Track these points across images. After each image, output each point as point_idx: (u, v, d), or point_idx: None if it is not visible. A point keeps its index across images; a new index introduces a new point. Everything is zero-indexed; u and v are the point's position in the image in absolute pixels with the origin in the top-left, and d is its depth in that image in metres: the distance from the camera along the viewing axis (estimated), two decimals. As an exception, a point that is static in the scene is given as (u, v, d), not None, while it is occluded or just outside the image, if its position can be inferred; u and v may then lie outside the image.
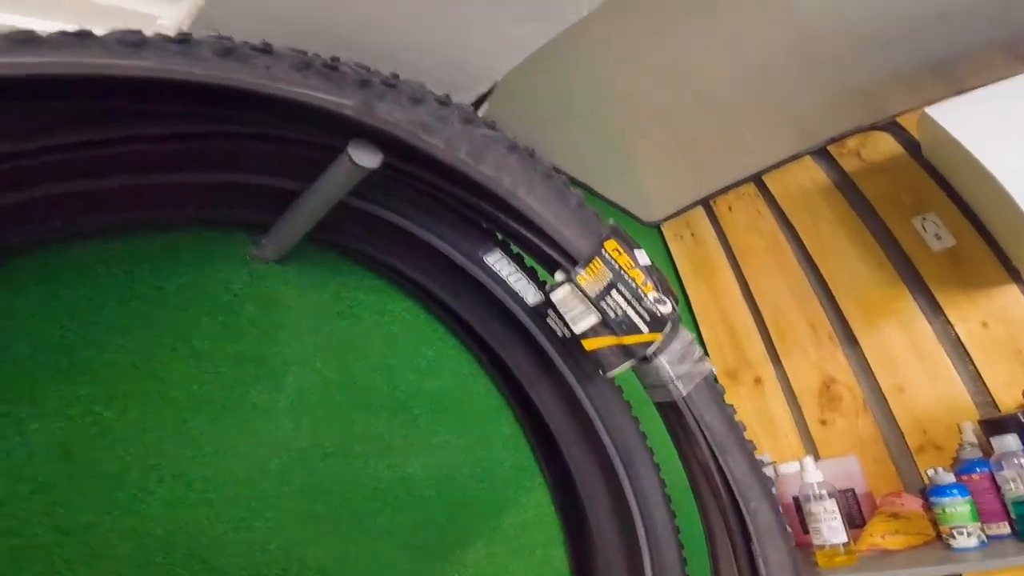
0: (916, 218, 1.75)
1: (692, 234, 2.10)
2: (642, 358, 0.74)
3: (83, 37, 0.45)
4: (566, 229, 0.68)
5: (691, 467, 0.83)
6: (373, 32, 0.82)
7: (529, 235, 0.70)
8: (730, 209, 2.05)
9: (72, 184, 0.54)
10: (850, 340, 1.80)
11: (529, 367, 0.90)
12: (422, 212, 0.74)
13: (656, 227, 2.15)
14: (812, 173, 1.89)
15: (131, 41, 0.46)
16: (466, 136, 0.61)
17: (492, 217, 0.70)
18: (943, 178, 1.73)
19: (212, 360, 0.71)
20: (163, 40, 0.48)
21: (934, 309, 1.67)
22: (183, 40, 0.49)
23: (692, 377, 0.76)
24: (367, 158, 0.56)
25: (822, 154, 1.89)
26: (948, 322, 1.63)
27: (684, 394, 0.74)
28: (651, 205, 2.05)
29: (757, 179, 2.00)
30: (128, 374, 0.64)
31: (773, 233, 1.95)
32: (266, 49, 0.53)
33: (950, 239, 1.69)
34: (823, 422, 1.78)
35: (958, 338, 1.60)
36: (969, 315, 1.60)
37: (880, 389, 1.72)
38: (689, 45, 1.28)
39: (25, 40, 0.42)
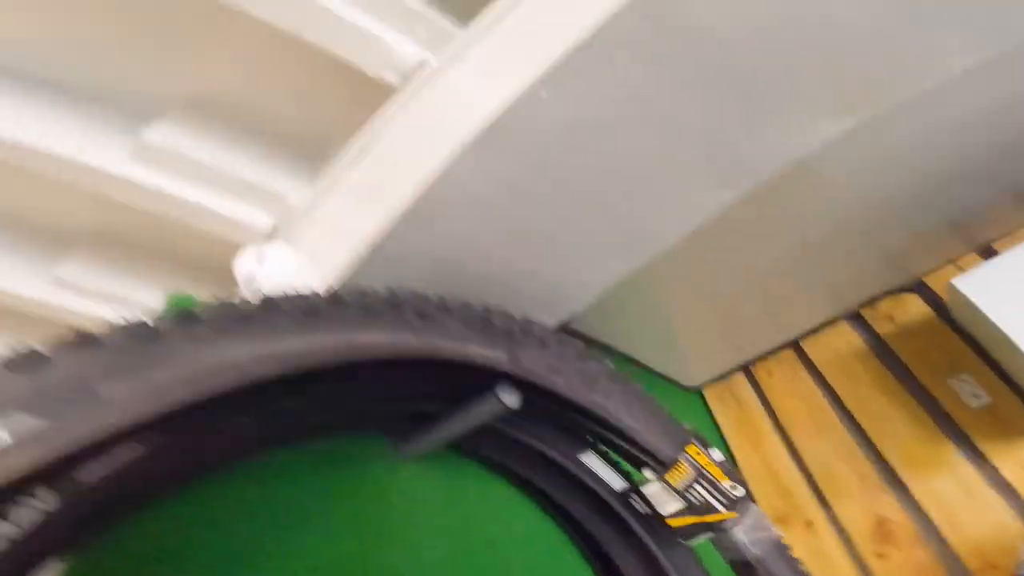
0: (952, 379, 1.88)
1: (734, 397, 2.24)
2: (715, 533, 0.90)
3: (317, 316, 0.64)
4: (655, 439, 0.87)
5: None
6: (485, 263, 1.04)
7: (623, 444, 0.88)
8: (770, 374, 2.20)
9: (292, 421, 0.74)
10: (899, 486, 1.89)
11: (615, 539, 1.05)
12: (530, 422, 0.94)
13: (698, 391, 2.28)
14: (848, 337, 2.05)
15: (367, 315, 0.65)
16: (580, 371, 0.82)
17: (593, 430, 0.89)
18: (973, 339, 1.87)
19: (357, 536, 0.88)
20: (381, 305, 0.68)
21: (979, 457, 1.77)
22: (394, 305, 0.69)
23: (762, 542, 0.92)
24: (511, 399, 0.76)
25: (856, 319, 2.06)
26: (994, 467, 1.73)
27: (756, 555, 0.89)
28: (691, 371, 2.19)
29: (795, 345, 2.16)
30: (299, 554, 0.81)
31: (814, 395, 2.08)
32: (443, 308, 0.74)
33: (986, 397, 1.82)
34: (879, 555, 1.83)
35: (1004, 479, 1.70)
36: (1011, 459, 1.69)
37: (933, 524, 1.79)
38: (736, 230, 1.40)
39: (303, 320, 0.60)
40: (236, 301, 0.57)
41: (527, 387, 0.77)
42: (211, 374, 0.47)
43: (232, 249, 1.61)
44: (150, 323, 0.49)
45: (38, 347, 0.44)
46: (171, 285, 1.80)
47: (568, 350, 0.83)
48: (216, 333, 0.50)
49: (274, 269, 1.15)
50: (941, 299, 1.92)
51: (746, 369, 2.25)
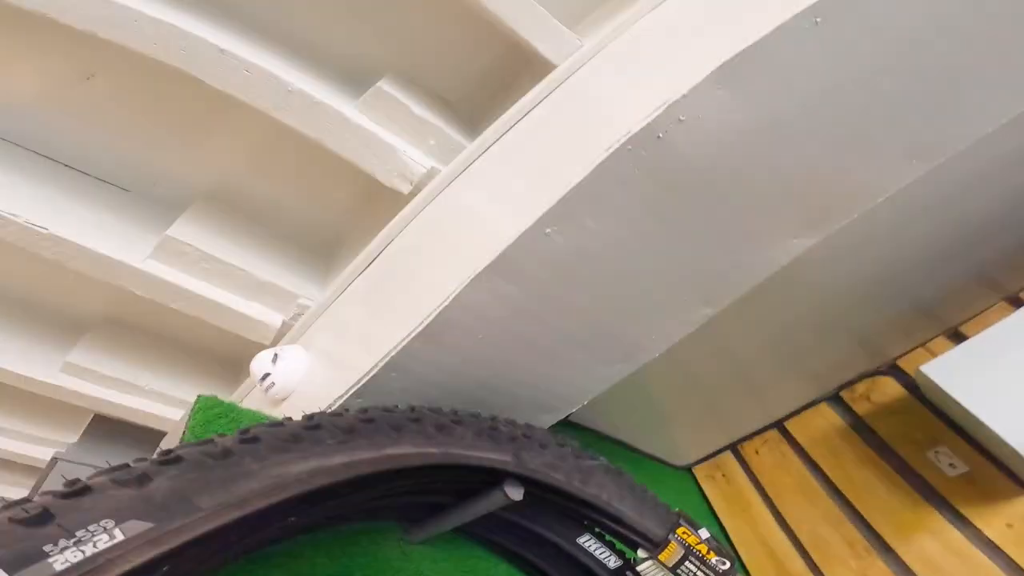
0: (930, 452, 1.97)
1: (723, 475, 2.32)
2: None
3: (354, 433, 0.75)
4: (647, 523, 0.96)
5: None
6: (491, 374, 1.14)
7: (618, 528, 0.97)
8: (757, 452, 2.29)
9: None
10: (887, 550, 1.96)
11: None
12: (531, 509, 1.02)
13: (687, 469, 2.37)
14: (829, 418, 2.15)
15: (395, 430, 0.75)
16: (577, 467, 0.92)
17: (590, 517, 0.97)
18: (945, 414, 1.97)
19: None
20: (405, 420, 0.78)
21: (961, 520, 1.86)
22: (416, 419, 0.79)
23: None
24: (515, 492, 0.85)
25: (836, 400, 2.17)
26: (977, 528, 1.81)
27: None
28: (681, 451, 2.28)
29: (779, 425, 2.27)
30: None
31: (800, 471, 2.17)
32: (457, 420, 0.84)
33: (963, 467, 1.91)
34: None
35: (988, 538, 1.77)
36: (994, 521, 1.78)
37: None
38: (718, 328, 1.56)
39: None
40: (282, 421, 0.68)
41: (530, 483, 0.86)
42: (278, 488, 0.58)
43: (241, 342, 1.71)
44: (216, 442, 0.60)
45: (133, 464, 0.55)
46: (178, 373, 1.87)
47: (566, 450, 0.95)
48: (275, 452, 0.61)
49: (288, 369, 1.23)
50: (913, 380, 2.02)
51: (734, 448, 2.34)
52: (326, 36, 1.25)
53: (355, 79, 1.27)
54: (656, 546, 0.97)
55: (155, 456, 0.59)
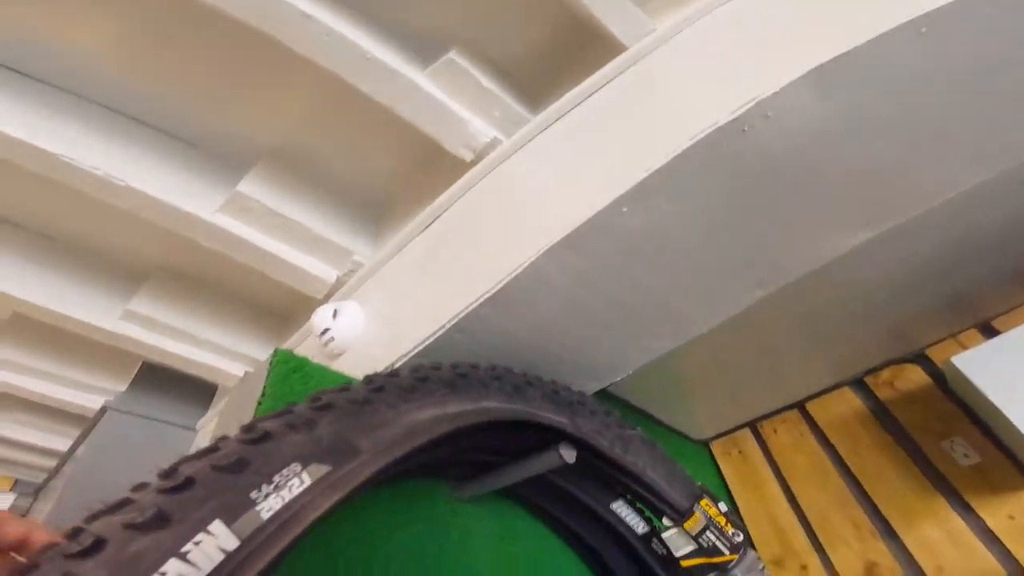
0: (945, 441, 2.03)
1: (739, 452, 2.40)
2: (718, 572, 1.06)
3: (455, 387, 0.81)
4: (675, 493, 1.04)
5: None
6: (549, 341, 1.21)
7: (649, 496, 1.04)
8: (775, 431, 2.36)
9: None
10: (891, 534, 2.04)
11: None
12: (573, 474, 1.10)
13: (705, 444, 2.45)
14: (851, 402, 2.20)
15: (484, 387, 0.83)
16: (619, 436, 0.99)
17: (624, 484, 1.05)
18: (967, 405, 2.02)
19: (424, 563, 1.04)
20: (488, 378, 0.85)
21: (966, 509, 1.92)
22: (497, 378, 0.87)
23: None
24: (568, 455, 0.92)
25: (859, 384, 2.21)
26: (980, 517, 1.88)
27: None
28: (700, 426, 2.37)
29: (800, 406, 2.32)
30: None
31: (816, 452, 2.23)
32: (527, 381, 0.91)
33: (976, 457, 1.97)
34: None
35: (989, 528, 1.84)
36: (998, 512, 1.85)
37: (921, 570, 1.94)
38: (755, 311, 1.49)
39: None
40: (396, 371, 0.76)
41: (582, 446, 0.94)
42: (411, 434, 0.65)
43: (290, 297, 1.80)
44: (351, 389, 0.68)
45: (297, 407, 0.61)
46: (230, 325, 1.96)
47: (611, 419, 1.03)
48: (401, 401, 0.68)
49: (347, 325, 1.31)
50: (940, 370, 2.07)
51: (752, 426, 2.41)
52: (400, 5, 1.28)
53: (424, 49, 1.31)
54: (682, 515, 1.06)
55: (305, 403, 0.64)
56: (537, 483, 1.05)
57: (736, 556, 1.07)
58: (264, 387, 0.98)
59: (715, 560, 1.06)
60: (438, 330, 1.05)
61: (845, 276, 1.66)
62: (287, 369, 1.03)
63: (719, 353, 1.87)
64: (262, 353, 1.95)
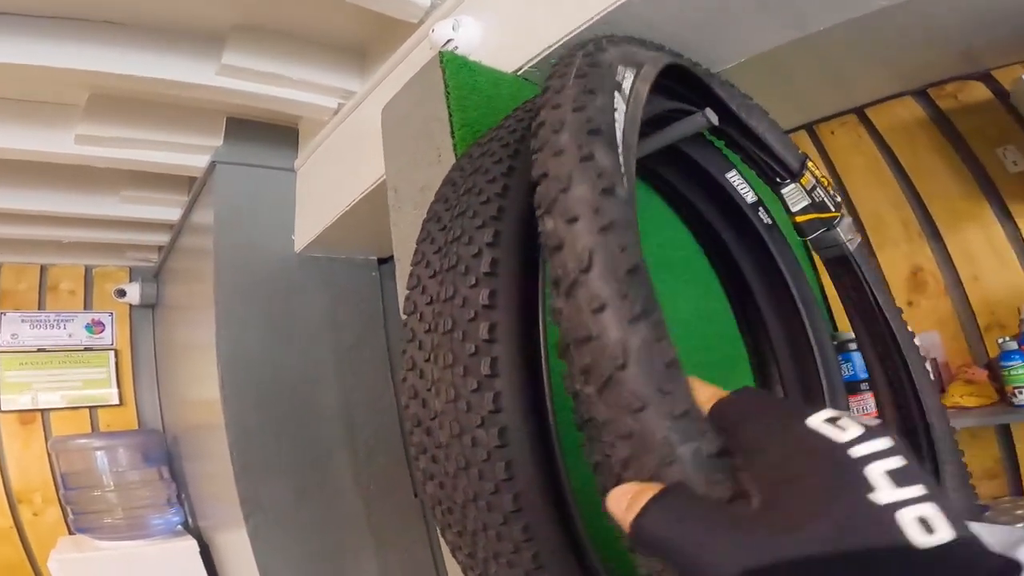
0: (999, 149, 2.26)
1: (797, 151, 2.63)
2: (827, 228, 1.32)
3: None
4: (790, 155, 1.26)
5: (853, 313, 1.38)
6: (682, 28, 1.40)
7: (767, 159, 1.27)
8: (832, 133, 2.58)
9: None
10: (936, 237, 2.35)
11: (742, 244, 1.47)
12: (697, 143, 1.32)
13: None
14: (912, 109, 2.41)
15: None
16: (744, 104, 1.20)
17: (746, 148, 1.27)
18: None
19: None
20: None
21: (1007, 217, 2.20)
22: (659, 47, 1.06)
23: (853, 242, 1.34)
24: (714, 117, 1.13)
25: (922, 94, 2.39)
26: (1017, 227, 2.17)
27: (852, 250, 1.32)
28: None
29: (859, 111, 2.51)
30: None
31: (872, 154, 2.47)
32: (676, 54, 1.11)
33: (1024, 165, 2.22)
34: (910, 303, 2.34)
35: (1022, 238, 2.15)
36: None
37: (959, 277, 2.27)
38: None
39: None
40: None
41: (721, 110, 1.15)
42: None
43: (372, 31, 1.97)
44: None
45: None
46: (315, 64, 2.13)
47: (734, 89, 1.22)
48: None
49: (469, 35, 1.47)
50: (1004, 89, 2.23)
51: (809, 128, 2.63)
52: None
53: None
54: (796, 174, 1.29)
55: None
56: (665, 152, 1.27)
57: (840, 214, 1.32)
58: (445, 80, 1.17)
59: (823, 216, 1.31)
60: (584, 23, 1.21)
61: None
62: (457, 64, 1.21)
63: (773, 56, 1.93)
64: (356, 86, 2.16)
